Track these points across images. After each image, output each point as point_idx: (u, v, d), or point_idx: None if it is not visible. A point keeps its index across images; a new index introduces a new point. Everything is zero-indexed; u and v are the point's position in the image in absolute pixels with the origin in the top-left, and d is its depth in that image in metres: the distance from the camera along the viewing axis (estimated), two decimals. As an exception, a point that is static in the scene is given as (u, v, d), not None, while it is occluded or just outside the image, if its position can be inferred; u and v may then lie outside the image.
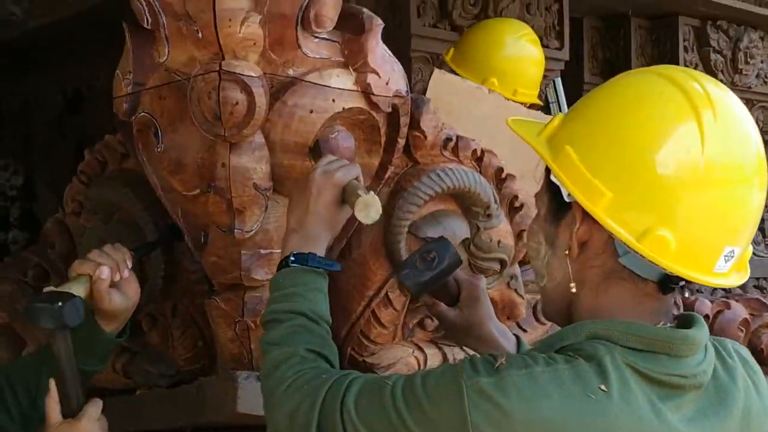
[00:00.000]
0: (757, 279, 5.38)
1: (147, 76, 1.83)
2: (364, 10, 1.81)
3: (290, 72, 1.76)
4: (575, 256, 1.32)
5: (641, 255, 1.24)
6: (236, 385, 1.86)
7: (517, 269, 2.15)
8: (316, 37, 1.77)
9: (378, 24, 1.80)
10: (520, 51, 3.56)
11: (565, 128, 1.36)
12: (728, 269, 1.30)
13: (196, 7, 1.66)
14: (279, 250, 1.81)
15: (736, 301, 2.81)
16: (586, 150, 1.28)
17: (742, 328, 2.74)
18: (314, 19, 1.71)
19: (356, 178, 1.70)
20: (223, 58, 1.69)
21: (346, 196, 1.65)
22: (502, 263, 2.10)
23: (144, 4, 1.72)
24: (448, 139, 2.03)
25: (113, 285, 1.80)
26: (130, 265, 1.83)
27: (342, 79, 1.80)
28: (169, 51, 1.77)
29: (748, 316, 2.78)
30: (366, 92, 1.82)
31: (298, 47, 1.74)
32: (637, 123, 1.27)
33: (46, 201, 5.52)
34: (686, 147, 1.24)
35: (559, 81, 4.96)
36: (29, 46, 5.34)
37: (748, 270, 1.36)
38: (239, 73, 1.67)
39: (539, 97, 4.03)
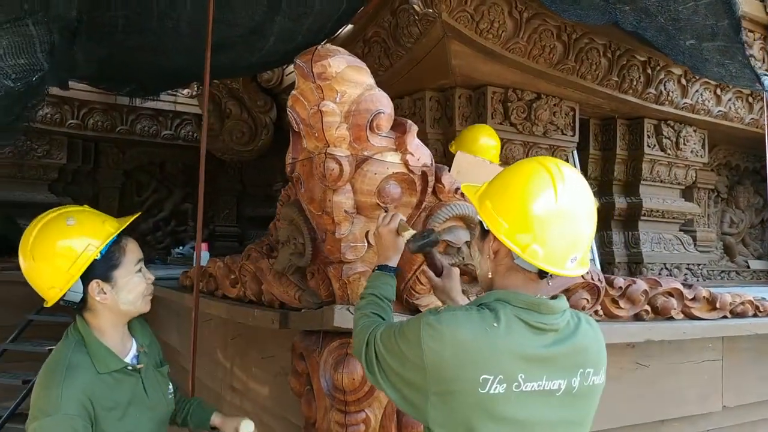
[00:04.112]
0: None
1: (298, 154, 1.93)
2: (407, 120, 1.83)
3: (365, 153, 1.81)
4: (492, 258, 1.37)
5: (524, 259, 1.29)
6: (333, 312, 1.91)
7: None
8: (379, 135, 1.80)
9: (414, 128, 1.84)
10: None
11: (487, 190, 1.41)
12: (575, 266, 1.32)
13: (314, 120, 1.76)
14: (363, 244, 1.91)
15: (641, 279, 2.60)
16: (495, 203, 1.35)
17: (643, 295, 2.55)
18: (375, 126, 1.77)
19: (401, 220, 1.72)
20: (328, 146, 1.77)
21: (399, 230, 1.69)
22: (487, 252, 2.05)
23: (293, 118, 1.82)
24: (457, 189, 2.03)
25: None
26: None
27: (392, 157, 1.84)
28: (306, 142, 1.85)
29: (647, 288, 2.57)
30: (406, 164, 1.84)
31: (367, 140, 1.78)
32: (522, 188, 1.32)
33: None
34: (547, 200, 1.29)
35: (575, 152, 4.70)
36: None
37: (588, 265, 1.37)
38: (335, 154, 1.77)
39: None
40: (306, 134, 1.79)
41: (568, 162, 4.91)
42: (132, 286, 1.68)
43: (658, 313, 2.69)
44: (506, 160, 4.36)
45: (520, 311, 1.28)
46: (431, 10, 3.71)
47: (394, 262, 1.69)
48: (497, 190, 1.37)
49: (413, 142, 1.83)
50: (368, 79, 1.74)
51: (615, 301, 2.57)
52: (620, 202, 5.09)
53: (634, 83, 4.49)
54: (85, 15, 3.14)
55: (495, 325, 1.24)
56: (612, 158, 5.08)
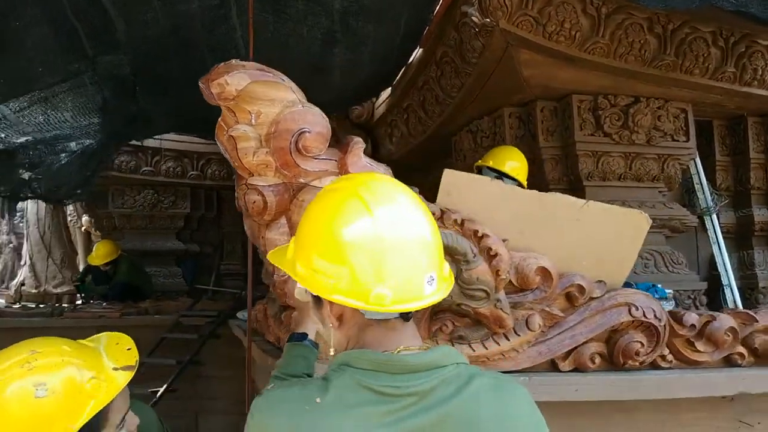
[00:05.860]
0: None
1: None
2: (353, 137, 1.54)
3: (301, 180, 1.58)
4: (338, 326, 1.08)
5: (374, 311, 0.99)
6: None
7: (502, 294, 1.70)
8: (315, 159, 1.52)
9: (358, 146, 1.54)
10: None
11: (295, 249, 1.11)
12: (436, 287, 1.01)
13: (230, 147, 1.53)
14: None
15: (727, 313, 2.00)
16: (306, 260, 1.05)
17: (729, 334, 1.95)
18: (302, 148, 1.48)
19: None
20: (251, 176, 1.51)
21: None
22: (486, 292, 1.67)
23: (222, 149, 1.60)
24: (442, 214, 1.67)
25: None
26: None
27: (333, 182, 1.52)
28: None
29: (735, 325, 1.97)
30: (349, 189, 1.52)
31: (297, 165, 1.54)
32: (331, 228, 1.02)
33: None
34: (364, 228, 0.99)
35: (698, 159, 4.05)
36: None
37: (452, 280, 1.10)
38: (255, 184, 1.55)
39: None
40: (234, 165, 1.58)
41: (689, 172, 4.20)
42: None
43: (758, 356, 2.05)
44: (604, 176, 3.82)
45: (365, 375, 0.98)
46: (488, 19, 3.37)
47: (305, 328, 1.42)
48: (302, 242, 1.08)
49: (358, 163, 1.54)
50: (288, 94, 1.48)
51: (690, 343, 1.99)
52: (760, 214, 4.23)
53: (760, 72, 3.71)
54: (139, 69, 3.25)
55: (318, 400, 0.95)
56: (745, 164, 4.24)
